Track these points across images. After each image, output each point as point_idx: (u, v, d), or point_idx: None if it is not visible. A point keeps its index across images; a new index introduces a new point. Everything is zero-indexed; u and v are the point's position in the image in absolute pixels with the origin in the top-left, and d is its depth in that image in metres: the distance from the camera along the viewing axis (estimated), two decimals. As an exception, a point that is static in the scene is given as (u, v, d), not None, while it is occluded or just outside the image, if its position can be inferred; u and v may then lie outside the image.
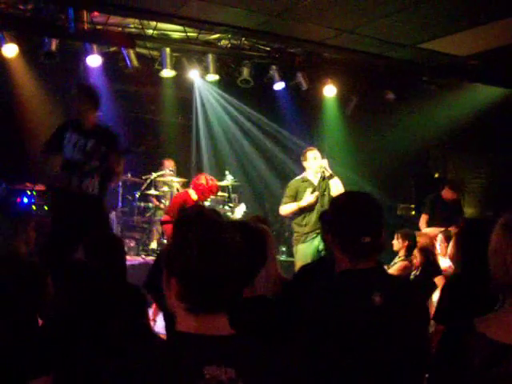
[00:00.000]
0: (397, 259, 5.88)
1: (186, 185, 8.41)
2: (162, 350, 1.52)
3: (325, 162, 6.45)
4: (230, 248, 1.56)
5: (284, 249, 8.95)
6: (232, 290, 1.56)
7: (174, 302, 1.56)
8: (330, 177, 6.40)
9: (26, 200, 7.08)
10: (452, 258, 3.93)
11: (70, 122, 5.13)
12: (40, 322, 3.38)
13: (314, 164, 6.43)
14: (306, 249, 6.43)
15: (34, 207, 7.01)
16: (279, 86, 8.39)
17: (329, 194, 6.36)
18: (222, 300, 1.55)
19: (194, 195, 6.64)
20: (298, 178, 6.65)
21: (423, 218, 7.80)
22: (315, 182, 6.47)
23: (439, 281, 5.20)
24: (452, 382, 1.74)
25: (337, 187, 6.35)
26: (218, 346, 1.51)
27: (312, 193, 6.36)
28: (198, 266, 1.51)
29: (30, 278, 3.25)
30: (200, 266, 1.51)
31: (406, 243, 5.76)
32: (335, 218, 2.36)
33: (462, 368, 1.68)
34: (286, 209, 6.49)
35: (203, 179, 6.68)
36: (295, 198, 6.41)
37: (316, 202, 6.34)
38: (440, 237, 6.09)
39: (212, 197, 8.15)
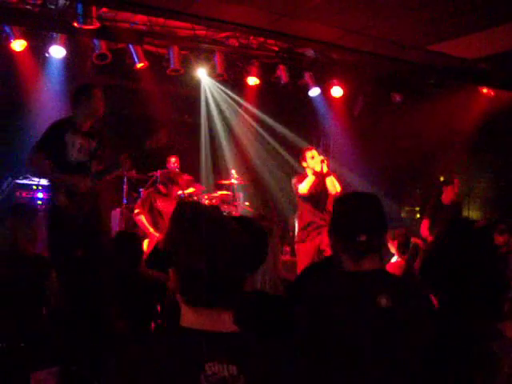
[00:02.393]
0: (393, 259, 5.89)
1: (190, 182, 8.43)
2: (165, 345, 1.52)
3: (325, 161, 6.58)
4: (228, 244, 1.56)
5: (288, 249, 8.93)
6: (229, 286, 1.56)
7: (177, 296, 1.57)
8: (327, 174, 6.49)
9: (41, 195, 7.10)
10: None
11: (66, 123, 5.06)
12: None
13: (312, 163, 6.54)
14: (308, 248, 6.50)
15: (39, 202, 7.03)
16: (286, 85, 8.38)
17: (326, 192, 6.49)
18: (219, 295, 1.55)
19: None
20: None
21: (424, 224, 7.79)
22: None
23: None
24: None
25: (333, 185, 6.48)
26: (221, 342, 1.51)
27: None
28: (194, 260, 1.51)
29: (32, 272, 3.25)
30: (195, 260, 1.51)
31: (395, 242, 5.75)
32: (335, 217, 2.38)
33: (493, 374, 1.67)
34: (304, 183, 6.56)
35: None
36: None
37: (321, 187, 6.54)
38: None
39: (216, 195, 8.20)
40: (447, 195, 7.86)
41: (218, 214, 1.63)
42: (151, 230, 7.11)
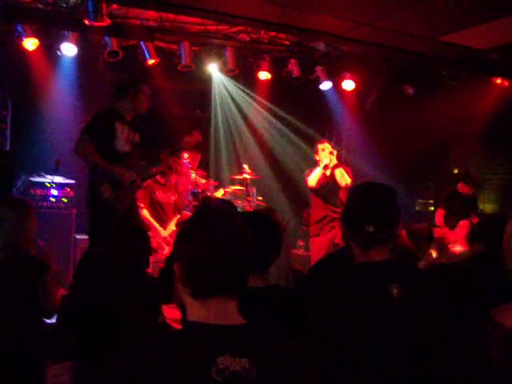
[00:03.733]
0: None
1: (203, 177, 8.44)
2: (175, 340, 1.53)
3: (334, 152, 6.74)
4: (232, 236, 1.56)
5: (302, 243, 8.92)
6: (232, 277, 1.56)
7: (181, 289, 1.57)
8: (335, 166, 6.54)
9: (55, 192, 7.11)
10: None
11: (114, 113, 5.11)
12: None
13: (323, 155, 6.62)
14: (321, 242, 6.53)
15: (52, 199, 7.06)
16: (298, 79, 8.35)
17: (336, 184, 6.53)
18: (224, 285, 1.55)
19: None
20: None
21: (439, 213, 7.77)
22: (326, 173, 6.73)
23: None
24: (470, 372, 1.73)
25: (342, 177, 6.54)
26: (231, 335, 1.51)
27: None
28: (197, 252, 1.53)
29: (26, 273, 3.22)
30: (199, 252, 1.53)
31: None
32: (346, 206, 2.39)
33: (481, 358, 1.67)
34: (312, 176, 6.69)
35: None
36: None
37: (330, 179, 6.70)
38: None
39: (229, 190, 8.19)
40: (463, 187, 7.87)
41: (230, 206, 1.65)
42: (156, 224, 6.98)
